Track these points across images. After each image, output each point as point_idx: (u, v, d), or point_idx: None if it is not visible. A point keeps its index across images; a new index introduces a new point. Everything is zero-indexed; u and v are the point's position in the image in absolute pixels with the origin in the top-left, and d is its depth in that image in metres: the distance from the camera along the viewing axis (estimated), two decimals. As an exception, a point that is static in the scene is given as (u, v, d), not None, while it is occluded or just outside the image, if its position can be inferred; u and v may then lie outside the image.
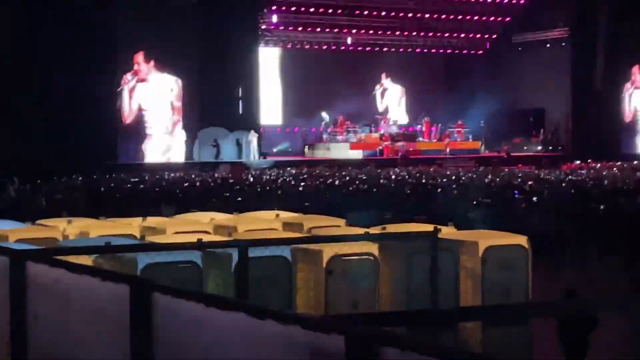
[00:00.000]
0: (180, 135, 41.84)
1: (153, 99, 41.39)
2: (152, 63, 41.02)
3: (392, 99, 52.25)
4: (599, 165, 39.91)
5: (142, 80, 41.17)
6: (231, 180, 30.02)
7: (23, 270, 6.26)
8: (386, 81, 51.80)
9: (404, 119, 51.47)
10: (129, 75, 40.82)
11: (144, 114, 41.28)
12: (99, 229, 12.03)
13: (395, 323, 5.09)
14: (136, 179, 30.43)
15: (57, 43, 36.18)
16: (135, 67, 40.88)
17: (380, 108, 51.68)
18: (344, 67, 50.03)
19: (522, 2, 50.30)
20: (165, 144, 41.61)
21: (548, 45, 49.55)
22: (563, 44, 48.55)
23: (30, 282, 6.20)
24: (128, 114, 40.99)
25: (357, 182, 29.06)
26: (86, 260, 8.63)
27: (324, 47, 49.27)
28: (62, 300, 5.80)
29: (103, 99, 38.71)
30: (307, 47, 48.76)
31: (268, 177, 32.39)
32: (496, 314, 5.92)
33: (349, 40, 49.41)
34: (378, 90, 51.76)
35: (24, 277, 6.24)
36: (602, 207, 22.47)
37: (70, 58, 36.19)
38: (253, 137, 43.05)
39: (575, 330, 10.69)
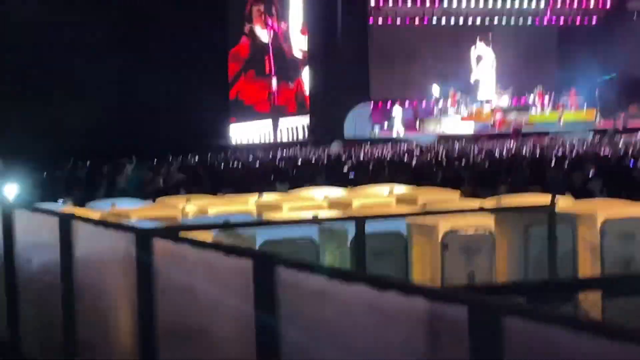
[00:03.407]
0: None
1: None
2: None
3: (486, 66, 51.02)
4: None
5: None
6: (345, 156, 30.19)
7: (149, 247, 6.47)
8: (483, 47, 50.65)
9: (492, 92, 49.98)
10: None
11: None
12: (217, 206, 12.28)
13: (515, 293, 5.10)
14: (250, 157, 30.89)
15: (171, 21, 36.87)
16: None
17: (474, 74, 50.67)
18: (453, 41, 49.58)
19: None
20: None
21: (665, 10, 48.10)
22: (681, 8, 47.09)
23: (156, 258, 6.41)
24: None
25: (469, 155, 28.84)
26: (206, 236, 8.86)
27: (434, 22, 48.86)
28: (188, 275, 5.98)
29: (217, 79, 39.35)
30: (417, 21, 48.44)
31: (380, 152, 32.42)
32: (616, 283, 5.86)
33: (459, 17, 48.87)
34: (473, 56, 50.63)
35: (150, 254, 6.45)
36: None
37: (182, 39, 36.88)
38: (398, 112, 43.73)
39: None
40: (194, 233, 8.09)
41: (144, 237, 6.48)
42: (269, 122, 42.28)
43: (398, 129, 44.25)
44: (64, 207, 13.12)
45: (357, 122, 42.38)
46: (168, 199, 14.17)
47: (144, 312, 6.48)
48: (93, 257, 7.60)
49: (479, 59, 51.04)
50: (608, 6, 50.77)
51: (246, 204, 12.69)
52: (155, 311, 6.38)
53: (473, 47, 50.55)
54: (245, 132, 41.67)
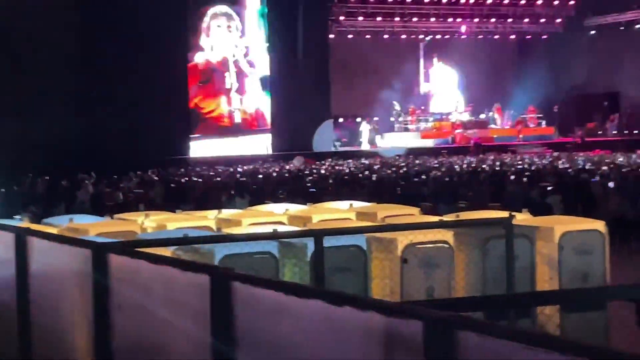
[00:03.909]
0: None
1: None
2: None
3: (443, 84, 51.49)
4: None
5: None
6: (306, 172, 30.20)
7: (105, 262, 6.41)
8: (439, 65, 51.19)
9: (450, 106, 50.51)
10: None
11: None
12: (176, 222, 12.21)
13: (472, 308, 5.11)
14: (211, 172, 30.79)
15: (129, 39, 36.71)
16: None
17: (425, 90, 51.11)
18: (413, 56, 49.98)
19: (594, -16, 49.57)
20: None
21: (622, 27, 48.71)
22: (637, 25, 47.70)
23: (112, 274, 6.36)
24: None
25: (429, 170, 28.97)
26: (164, 252, 8.79)
27: (393, 37, 49.16)
28: (144, 290, 5.94)
29: (177, 94, 39.24)
30: (377, 36, 48.69)
31: (341, 167, 32.48)
32: (573, 298, 5.90)
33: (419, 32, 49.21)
34: (433, 73, 51.15)
35: (106, 269, 6.39)
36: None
37: (144, 54, 36.74)
38: (365, 127, 44.26)
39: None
40: (152, 249, 8.03)
41: (99, 253, 6.43)
42: (229, 137, 42.22)
43: (366, 144, 44.74)
44: (22, 222, 12.99)
45: (319, 137, 42.55)
46: (126, 214, 14.08)
47: (100, 328, 6.42)
48: (49, 272, 7.53)
49: (438, 76, 51.44)
50: (565, 22, 51.35)
51: (205, 219, 12.65)
52: (111, 327, 6.33)
53: (432, 65, 50.95)
54: (205, 147, 41.54)
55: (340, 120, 47.88)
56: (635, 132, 47.73)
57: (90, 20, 36.73)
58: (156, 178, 29.42)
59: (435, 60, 50.76)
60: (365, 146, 44.21)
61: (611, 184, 23.08)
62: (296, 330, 4.59)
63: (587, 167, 28.57)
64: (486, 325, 3.53)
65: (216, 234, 10.78)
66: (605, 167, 27.51)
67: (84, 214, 16.53)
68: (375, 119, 46.68)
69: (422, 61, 50.45)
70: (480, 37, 50.84)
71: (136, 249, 6.95)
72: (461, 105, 49.56)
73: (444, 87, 51.18)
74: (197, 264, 5.93)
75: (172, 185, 26.73)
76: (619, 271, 11.77)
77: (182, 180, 28.44)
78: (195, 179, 28.74)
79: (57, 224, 12.19)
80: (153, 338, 5.94)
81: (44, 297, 7.59)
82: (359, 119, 47.11)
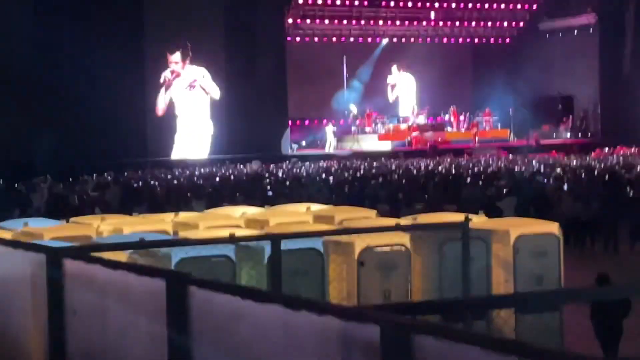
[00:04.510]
0: (209, 129, 42.21)
1: (185, 94, 41.82)
2: (182, 58, 41.37)
3: (402, 91, 51.91)
4: (629, 152, 39.67)
5: (177, 76, 41.64)
6: (264, 174, 30.20)
7: (60, 267, 6.36)
8: (397, 73, 51.56)
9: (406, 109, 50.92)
10: (166, 72, 41.23)
11: (176, 109, 41.72)
12: (132, 225, 12.12)
13: (428, 312, 5.13)
14: (168, 175, 30.64)
15: (85, 40, 36.41)
16: (171, 65, 41.25)
17: (391, 99, 51.56)
18: (368, 59, 50.18)
19: (548, -12, 50.09)
20: (197, 138, 41.97)
21: (575, 31, 49.23)
22: (591, 30, 48.23)
23: (67, 279, 6.30)
24: (162, 109, 41.43)
25: (386, 173, 29.08)
26: (121, 256, 8.74)
27: (351, 39, 49.28)
28: (100, 295, 5.90)
29: (133, 96, 38.99)
30: (334, 39, 48.80)
31: (298, 170, 32.49)
32: (529, 301, 5.95)
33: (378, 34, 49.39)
34: (390, 82, 51.62)
35: (61, 274, 6.34)
36: (632, 192, 22.38)
37: (98, 56, 36.46)
38: (329, 130, 44.44)
39: (608, 316, 10.69)
40: (108, 253, 7.97)
41: (54, 257, 6.37)
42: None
43: (331, 145, 44.91)
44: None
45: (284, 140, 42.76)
46: (82, 218, 13.95)
47: (54, 333, 6.37)
48: (2, 277, 7.44)
49: (394, 80, 51.67)
50: (521, 26, 51.80)
51: (162, 223, 12.57)
52: (66, 332, 6.27)
53: (390, 69, 51.17)
54: (163, 149, 41.27)
55: (303, 122, 47.95)
56: (589, 134, 48.27)
57: (49, 17, 36.36)
58: (112, 181, 29.22)
59: (394, 68, 51.07)
60: (331, 149, 44.35)
61: (565, 186, 23.33)
62: (253, 335, 4.59)
63: (541, 169, 28.85)
64: (442, 328, 3.55)
65: (173, 238, 10.73)
66: (559, 170, 27.80)
67: (39, 217, 16.36)
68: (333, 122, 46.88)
69: (385, 66, 50.61)
70: (436, 40, 51.14)
71: (92, 254, 6.89)
72: (419, 109, 49.85)
73: (403, 92, 51.48)
74: (153, 269, 5.90)
75: (128, 188, 26.56)
76: (573, 273, 11.90)
77: (139, 183, 28.27)
78: (152, 181, 28.59)
79: (12, 228, 12.06)
80: (109, 343, 5.90)
81: (-3, 302, 7.50)
82: (324, 122, 47.31)
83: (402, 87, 51.74)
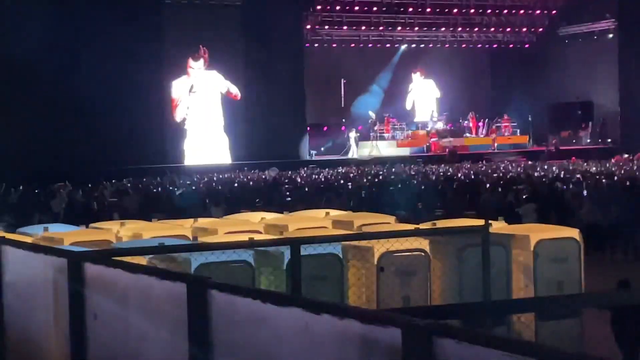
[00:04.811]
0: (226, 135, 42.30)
1: (204, 100, 41.93)
2: (202, 64, 41.50)
3: (421, 97, 51.81)
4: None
5: (196, 82, 41.79)
6: (284, 179, 30.23)
7: (81, 271, 6.38)
8: (419, 79, 51.48)
9: (427, 115, 50.85)
10: (186, 78, 41.40)
11: (193, 115, 41.84)
12: (152, 231, 12.16)
13: (449, 316, 5.13)
14: (187, 181, 30.69)
15: (105, 47, 36.58)
16: (188, 69, 41.39)
17: (408, 106, 51.54)
18: (387, 65, 50.18)
19: (567, -6, 49.94)
20: (215, 144, 42.06)
21: (595, 37, 49.06)
22: (610, 35, 48.05)
23: (88, 283, 6.33)
24: (180, 114, 41.57)
25: (405, 179, 29.03)
26: (140, 261, 8.76)
27: (369, 45, 49.29)
28: (120, 299, 5.91)
29: (152, 102, 39.12)
30: (353, 45, 48.81)
31: (317, 176, 32.48)
32: (549, 305, 5.93)
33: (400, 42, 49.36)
34: (410, 89, 51.64)
35: (82, 278, 6.36)
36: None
37: (118, 62, 36.61)
38: (353, 135, 44.50)
39: (629, 323, 10.62)
40: (128, 258, 8.00)
41: (75, 262, 6.39)
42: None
43: (354, 151, 44.98)
44: (-4, 232, 12.90)
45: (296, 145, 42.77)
46: (102, 223, 14.01)
47: (75, 338, 6.39)
48: (24, 281, 7.48)
49: (414, 86, 51.65)
50: (540, 31, 51.66)
51: (181, 228, 12.61)
52: (87, 336, 6.29)
53: (411, 76, 51.16)
54: (182, 156, 41.39)
55: (321, 128, 47.97)
56: (609, 140, 48.05)
57: (70, 23, 36.55)
58: (131, 186, 29.29)
59: (414, 75, 51.09)
60: (355, 155, 44.46)
61: (584, 192, 23.22)
62: (274, 338, 4.59)
63: (561, 175, 28.72)
64: (463, 332, 3.54)
65: (192, 243, 10.75)
66: (579, 175, 27.67)
67: (59, 223, 16.43)
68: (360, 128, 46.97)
69: (404, 72, 50.59)
70: (455, 46, 51.07)
71: (112, 258, 6.92)
72: (438, 115, 49.79)
73: (424, 99, 51.47)
74: (173, 273, 5.91)
75: (148, 193, 26.63)
76: (593, 279, 11.84)
77: (158, 188, 28.33)
78: (171, 187, 28.65)
79: (32, 233, 12.12)
80: (130, 347, 5.91)
81: (19, 306, 7.54)
82: (343, 128, 47.38)
83: (422, 93, 51.68)
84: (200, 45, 41.08)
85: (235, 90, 42.23)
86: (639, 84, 46.63)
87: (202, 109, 42.11)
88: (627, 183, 24.76)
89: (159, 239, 10.27)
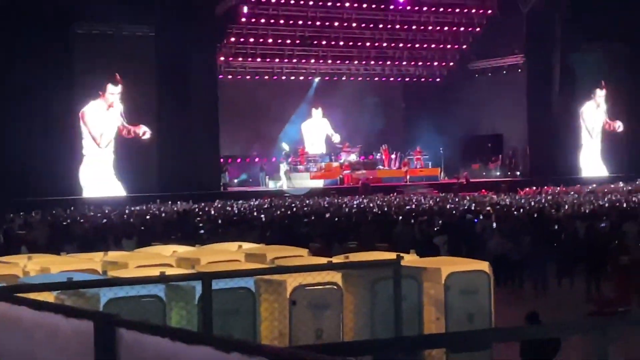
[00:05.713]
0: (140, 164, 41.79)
1: (114, 128, 41.38)
2: (120, 90, 41.00)
3: (312, 133, 51.97)
4: (556, 190, 40.29)
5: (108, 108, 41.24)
6: (197, 211, 30.01)
7: (-16, 308, 6.19)
8: (316, 112, 51.65)
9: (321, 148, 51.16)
10: (99, 101, 40.81)
11: (106, 143, 41.26)
12: (60, 264, 11.92)
13: (361, 352, 5.11)
14: (98, 214, 30.26)
15: (12, 73, 36.02)
16: (107, 95, 40.81)
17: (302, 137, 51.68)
18: (300, 97, 50.43)
19: (477, 29, 50.89)
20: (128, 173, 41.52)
21: (504, 71, 50.11)
22: (519, 69, 49.12)
23: (-9, 321, 6.14)
24: (104, 141, 40.94)
25: (319, 211, 29.09)
26: (48, 296, 8.56)
27: (283, 78, 49.48)
28: (26, 338, 5.75)
29: (62, 132, 38.53)
30: (267, 77, 48.94)
31: (230, 208, 32.34)
32: (460, 340, 5.97)
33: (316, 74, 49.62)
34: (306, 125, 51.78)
35: (-15, 316, 6.17)
36: (559, 229, 22.71)
37: (25, 88, 36.05)
38: (283, 167, 44.53)
39: (537, 354, 10.77)
40: (34, 294, 7.80)
41: (-22, 299, 6.20)
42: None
43: (282, 183, 45.04)
44: None
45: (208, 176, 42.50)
46: (9, 257, 13.68)
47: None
48: None
49: (317, 122, 51.78)
50: (451, 65, 52.52)
51: (91, 262, 12.38)
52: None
53: (312, 112, 51.30)
54: (94, 187, 40.79)
55: (235, 160, 47.90)
56: (517, 173, 48.96)
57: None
58: (39, 219, 28.74)
59: (313, 110, 51.22)
60: (284, 186, 44.54)
61: (494, 225, 23.57)
62: (183, 378, 4.51)
63: (472, 207, 29.13)
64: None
65: (101, 278, 10.56)
66: (489, 208, 28.09)
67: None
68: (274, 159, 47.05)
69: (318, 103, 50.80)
70: (367, 79, 51.58)
71: (17, 294, 6.73)
72: (351, 147, 50.01)
73: (317, 134, 51.53)
74: (80, 310, 5.77)
75: (57, 226, 26.15)
76: (503, 311, 11.99)
77: (68, 221, 27.84)
78: (82, 220, 28.19)
79: None
80: (35, 387, 5.75)
81: None
82: (256, 160, 47.40)
83: (315, 129, 51.81)
84: (116, 73, 40.59)
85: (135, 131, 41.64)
86: (547, 117, 47.76)
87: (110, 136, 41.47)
88: (535, 215, 25.25)
89: (68, 273, 10.06)
